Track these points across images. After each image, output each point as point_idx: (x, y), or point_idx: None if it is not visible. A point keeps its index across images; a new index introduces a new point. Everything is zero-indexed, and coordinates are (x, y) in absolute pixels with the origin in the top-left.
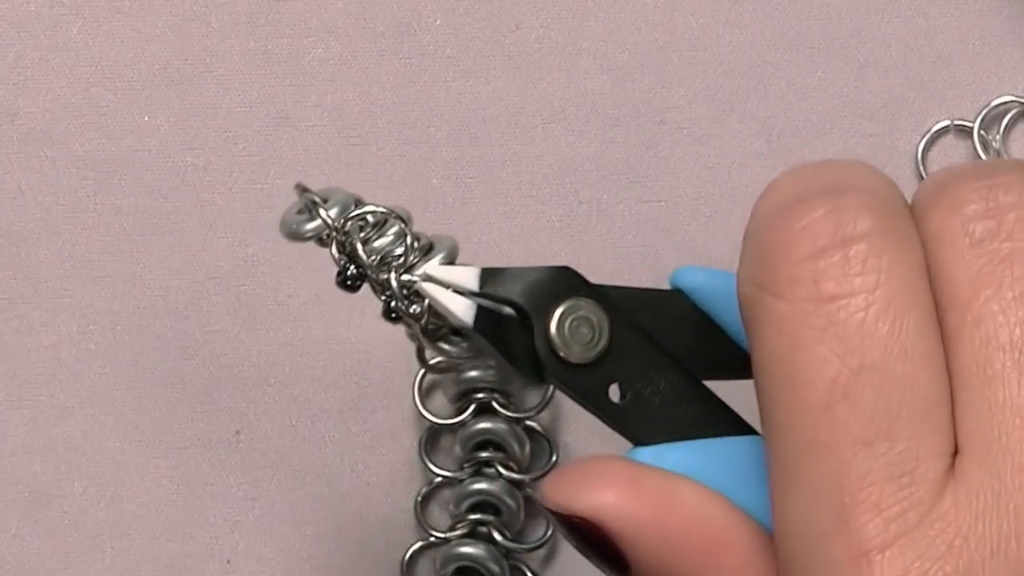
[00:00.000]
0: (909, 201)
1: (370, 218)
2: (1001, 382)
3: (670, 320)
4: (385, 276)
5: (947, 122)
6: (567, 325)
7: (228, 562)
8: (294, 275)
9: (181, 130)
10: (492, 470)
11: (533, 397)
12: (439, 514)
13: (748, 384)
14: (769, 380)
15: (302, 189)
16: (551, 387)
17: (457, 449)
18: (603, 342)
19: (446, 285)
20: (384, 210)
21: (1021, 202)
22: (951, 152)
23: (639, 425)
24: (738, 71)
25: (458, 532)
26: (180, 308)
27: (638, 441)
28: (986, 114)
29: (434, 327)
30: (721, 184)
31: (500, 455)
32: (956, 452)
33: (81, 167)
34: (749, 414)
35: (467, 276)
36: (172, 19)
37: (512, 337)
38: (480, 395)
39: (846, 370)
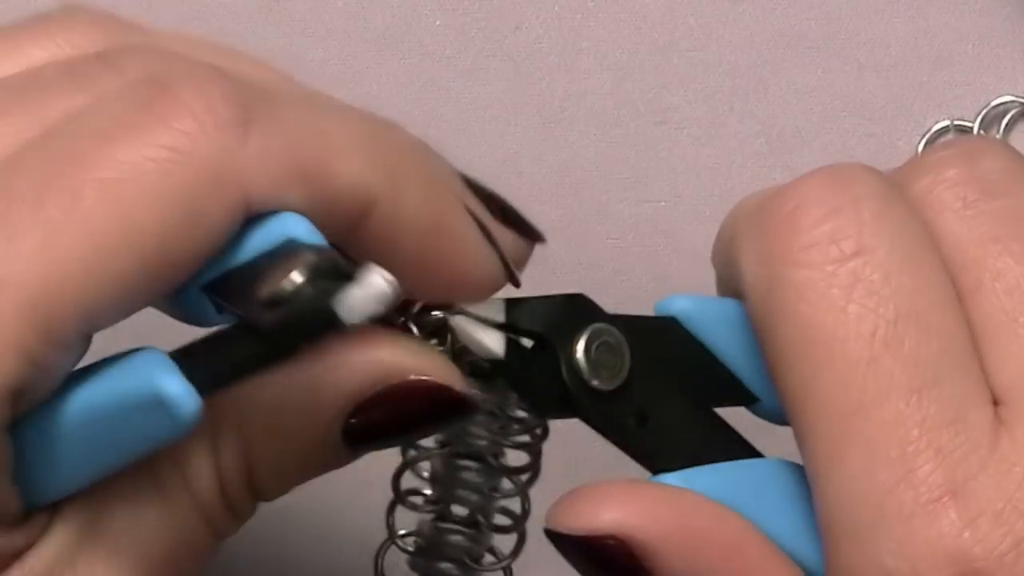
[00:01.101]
0: None
1: None
2: None
3: (671, 347)
4: (403, 320)
5: (947, 122)
6: (593, 352)
7: (228, 561)
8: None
9: None
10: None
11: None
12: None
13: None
14: (800, 352)
15: None
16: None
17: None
18: (627, 367)
19: (475, 318)
20: None
21: (999, 164)
22: None
23: (658, 452)
24: (738, 71)
25: None
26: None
27: (657, 468)
28: (986, 114)
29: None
30: (721, 184)
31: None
32: (996, 403)
33: None
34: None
35: (494, 308)
36: (172, 19)
37: (536, 368)
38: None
39: (883, 322)
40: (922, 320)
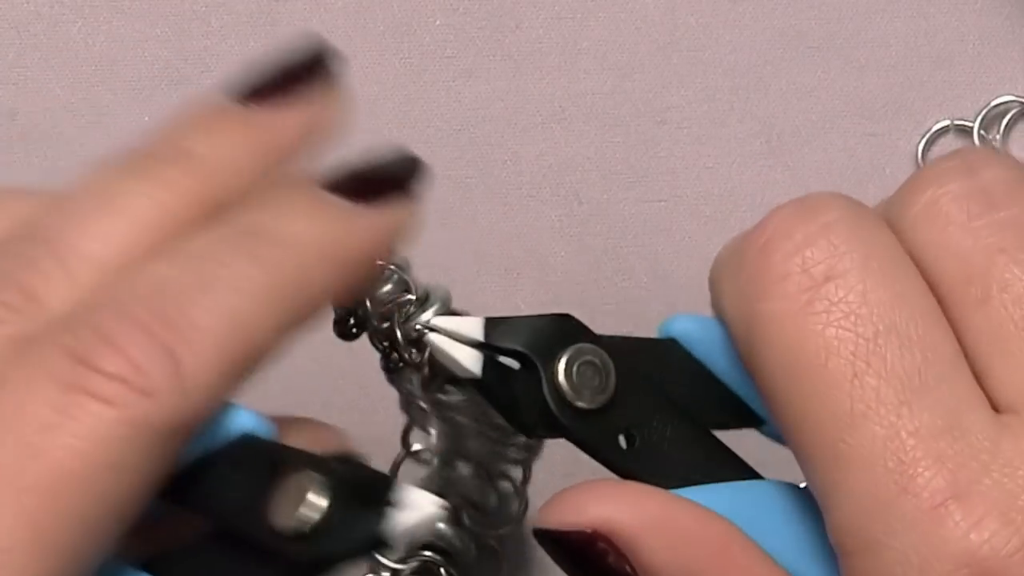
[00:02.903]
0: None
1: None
2: None
3: (668, 368)
4: (387, 326)
5: (947, 122)
6: (575, 370)
7: None
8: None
9: None
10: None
11: (506, 518)
12: None
13: (749, 433)
14: (787, 381)
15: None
16: (504, 570)
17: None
18: (611, 387)
19: (452, 335)
20: (382, 263)
21: (1001, 174)
22: None
23: (648, 472)
24: (738, 71)
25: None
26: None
27: None
28: (986, 114)
29: (431, 377)
30: (721, 184)
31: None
32: (997, 410)
33: (81, 167)
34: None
35: (472, 326)
36: (172, 19)
37: (518, 388)
38: (428, 554)
39: (862, 340)
40: (903, 333)
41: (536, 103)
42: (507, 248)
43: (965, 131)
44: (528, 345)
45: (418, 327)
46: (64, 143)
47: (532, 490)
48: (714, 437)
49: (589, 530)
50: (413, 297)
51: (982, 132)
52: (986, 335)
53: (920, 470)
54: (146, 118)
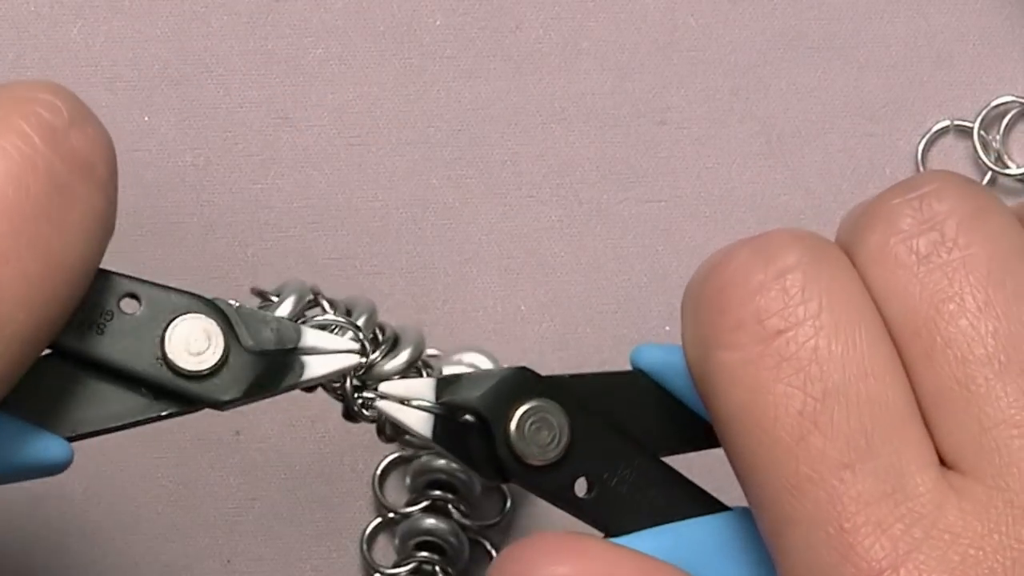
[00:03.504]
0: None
1: (330, 312)
2: (989, 398)
3: (631, 402)
4: (337, 386)
5: (947, 122)
6: (526, 429)
7: (228, 562)
8: (294, 276)
9: (181, 130)
10: (443, 507)
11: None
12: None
13: (717, 452)
14: (736, 432)
15: (258, 293)
16: (508, 503)
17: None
18: (563, 441)
19: (402, 399)
20: (337, 319)
21: (957, 207)
22: (951, 152)
23: (608, 516)
24: (738, 71)
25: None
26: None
27: (608, 532)
28: (986, 114)
29: (393, 429)
30: (721, 184)
31: (452, 496)
32: (945, 467)
33: None
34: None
35: (422, 388)
36: (172, 19)
37: (473, 442)
38: (436, 492)
39: (810, 400)
40: (852, 392)
41: (536, 103)
42: (507, 248)
43: (965, 131)
44: (481, 404)
45: (367, 395)
46: None
47: None
48: (676, 473)
49: None
50: (363, 360)
51: (982, 132)
52: (932, 390)
53: (860, 538)
54: (146, 118)
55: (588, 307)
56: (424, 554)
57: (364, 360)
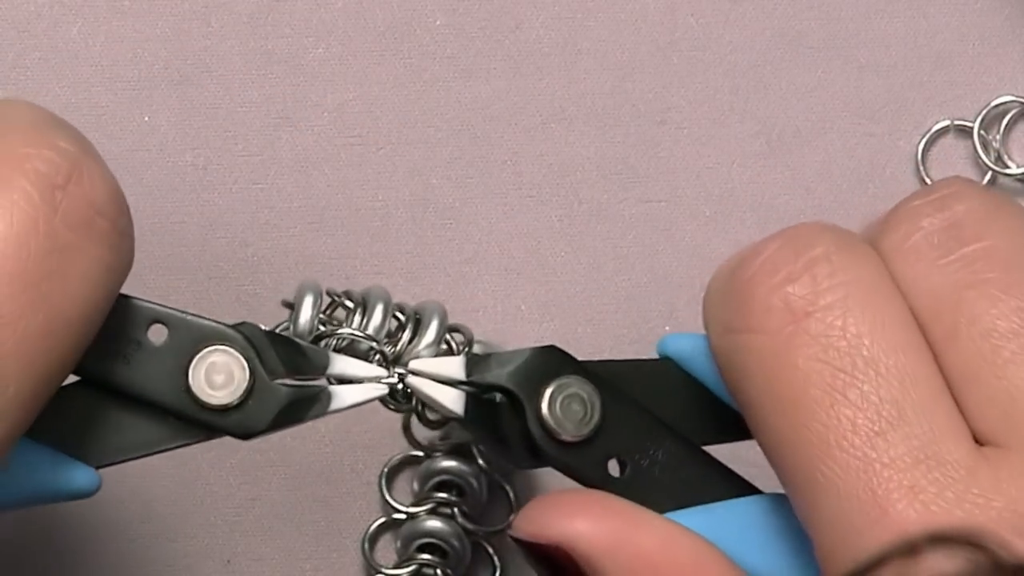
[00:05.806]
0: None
1: (348, 303)
2: (1017, 367)
3: (661, 389)
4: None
5: (947, 122)
6: (559, 404)
7: (228, 562)
8: (294, 276)
9: (181, 130)
10: (447, 510)
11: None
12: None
13: (748, 443)
14: (766, 410)
15: (287, 305)
16: (514, 509)
17: (415, 486)
18: (596, 417)
19: (433, 377)
20: (362, 335)
21: (974, 206)
22: (951, 152)
23: (641, 497)
24: (738, 71)
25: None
26: (180, 308)
27: None
28: (986, 114)
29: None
30: (721, 184)
31: (457, 498)
32: (980, 443)
33: None
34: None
35: (454, 366)
36: (172, 19)
37: (504, 422)
38: (443, 494)
39: (839, 372)
40: (881, 365)
41: (536, 103)
42: (507, 248)
43: (965, 131)
44: (512, 381)
45: (398, 372)
46: None
47: (523, 484)
48: (708, 456)
49: (553, 544)
50: (383, 347)
51: (982, 132)
52: (959, 369)
53: (892, 502)
54: (146, 118)
55: (588, 307)
56: (426, 556)
57: (391, 387)
